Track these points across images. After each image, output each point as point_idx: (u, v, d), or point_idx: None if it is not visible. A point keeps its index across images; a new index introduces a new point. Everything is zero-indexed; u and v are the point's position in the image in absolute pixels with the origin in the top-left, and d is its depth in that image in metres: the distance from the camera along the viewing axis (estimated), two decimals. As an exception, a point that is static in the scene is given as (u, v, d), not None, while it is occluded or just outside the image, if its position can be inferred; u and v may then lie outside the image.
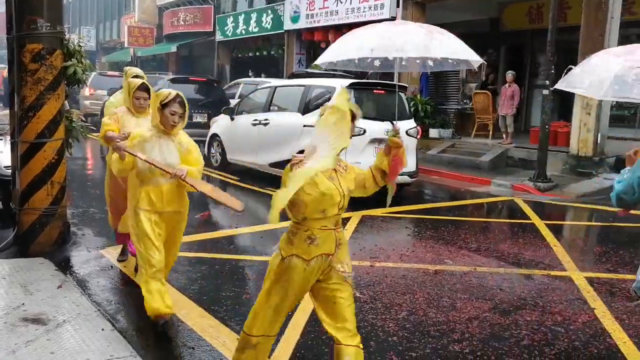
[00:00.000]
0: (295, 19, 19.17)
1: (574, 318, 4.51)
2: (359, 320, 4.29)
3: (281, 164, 9.34)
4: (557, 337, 4.17)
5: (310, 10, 18.41)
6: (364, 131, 8.55)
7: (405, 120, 9.20)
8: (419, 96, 15.19)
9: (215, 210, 8.02)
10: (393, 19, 15.38)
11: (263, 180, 9.87)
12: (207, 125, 12.83)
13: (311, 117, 8.92)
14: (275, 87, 10.59)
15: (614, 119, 12.46)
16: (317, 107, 9.09)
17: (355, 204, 8.48)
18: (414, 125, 9.42)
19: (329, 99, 8.55)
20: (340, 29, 17.43)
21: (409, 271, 5.53)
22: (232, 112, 11.12)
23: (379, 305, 4.63)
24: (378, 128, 8.50)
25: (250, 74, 20.32)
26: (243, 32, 22.25)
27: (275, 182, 9.99)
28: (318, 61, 4.98)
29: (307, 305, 4.42)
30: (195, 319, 4.22)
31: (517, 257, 6.17)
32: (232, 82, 17.79)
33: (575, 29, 11.60)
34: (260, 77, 18.74)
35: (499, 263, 5.97)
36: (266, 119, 9.99)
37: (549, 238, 6.94)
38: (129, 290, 4.74)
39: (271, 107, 10.22)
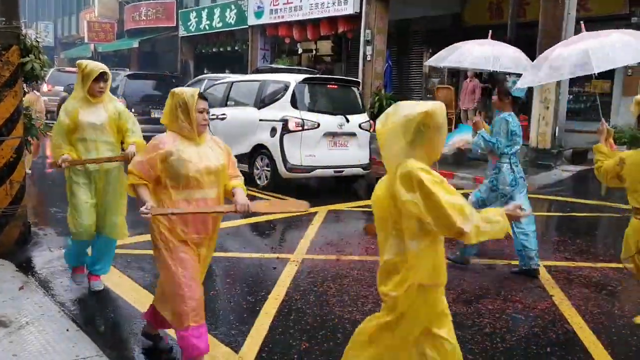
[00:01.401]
0: (259, 14, 19.09)
1: (534, 305, 4.65)
2: (326, 312, 4.35)
3: (238, 158, 9.34)
4: (518, 324, 4.30)
5: (274, 5, 18.37)
6: (318, 125, 8.74)
7: (358, 114, 9.38)
8: (383, 91, 15.33)
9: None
10: (357, 14, 15.49)
11: None
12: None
13: (267, 112, 9.11)
14: (232, 83, 10.66)
15: (571, 113, 12.84)
16: (272, 101, 9.25)
17: (321, 199, 8.57)
18: (367, 119, 9.65)
19: (284, 93, 8.84)
20: (304, 24, 17.48)
21: (375, 264, 5.60)
22: None
23: (345, 298, 4.69)
24: (332, 122, 8.66)
25: (205, 70, 20.13)
26: (206, 27, 22.04)
27: None
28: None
29: (270, 308, 4.47)
30: (162, 316, 4.20)
31: (480, 247, 6.31)
32: (196, 78, 17.63)
33: (534, 24, 11.87)
34: (224, 72, 18.63)
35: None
36: (223, 114, 10.07)
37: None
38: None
39: (228, 102, 10.30)
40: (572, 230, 7.37)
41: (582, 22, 6.05)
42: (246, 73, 17.09)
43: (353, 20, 15.94)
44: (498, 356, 3.78)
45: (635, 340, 4.08)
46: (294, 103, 8.90)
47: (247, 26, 19.83)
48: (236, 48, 21.67)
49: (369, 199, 7.75)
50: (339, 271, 5.36)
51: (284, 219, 7.45)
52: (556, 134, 11.50)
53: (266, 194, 8.89)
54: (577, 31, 11.70)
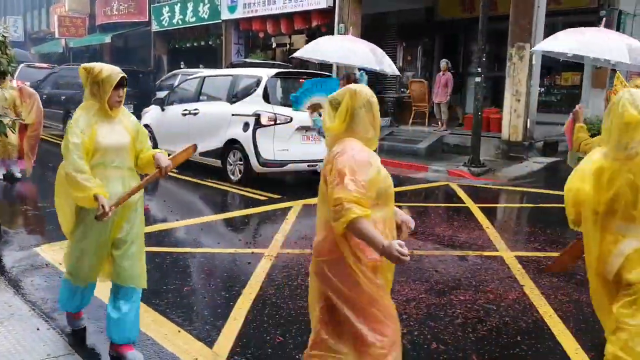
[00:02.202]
0: (232, 9, 18.96)
1: (505, 295, 4.74)
2: (300, 307, 4.37)
3: (211, 153, 9.50)
4: (489, 314, 4.38)
5: (247, -1, 18.27)
6: (291, 119, 8.76)
7: None
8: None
9: (154, 204, 7.92)
10: (330, 8, 15.48)
11: (197, 171, 9.88)
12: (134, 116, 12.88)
13: (239, 106, 9.11)
14: (204, 78, 10.65)
15: (542, 105, 13.03)
16: (244, 96, 9.27)
17: (297, 193, 8.59)
18: None
19: (257, 88, 8.90)
20: (278, 19, 17.41)
21: (349, 257, 5.64)
22: (162, 103, 11.12)
23: (319, 291, 4.72)
24: (304, 116, 8.68)
25: (182, 65, 19.97)
26: (180, 22, 21.82)
27: (208, 171, 10.05)
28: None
29: (244, 302, 4.48)
30: (136, 313, 4.18)
31: (452, 239, 6.40)
32: (170, 74, 17.46)
33: (505, 18, 12.00)
34: (198, 67, 18.49)
35: (435, 246, 6.18)
36: (196, 109, 10.03)
37: (482, 220, 7.22)
38: (66, 288, 4.64)
39: (200, 97, 10.29)
40: (543, 221, 7.50)
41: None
42: (221, 68, 17.00)
43: (327, 14, 15.92)
44: (470, 346, 3.84)
45: (602, 329, 4.18)
46: (266, 97, 8.95)
47: (220, 21, 19.67)
48: (210, 43, 21.51)
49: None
50: (314, 265, 5.38)
51: (259, 213, 7.45)
52: (528, 126, 11.68)
53: (239, 189, 8.89)
54: (548, 24, 11.95)
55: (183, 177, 9.82)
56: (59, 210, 3.63)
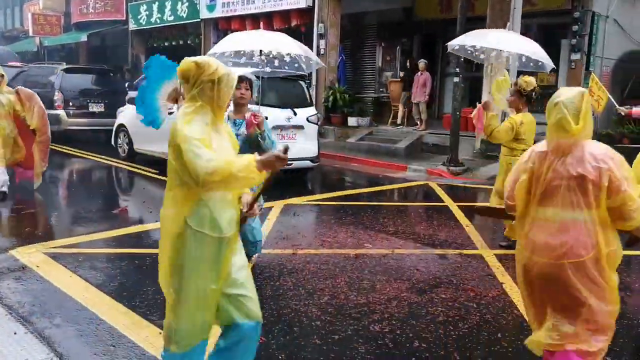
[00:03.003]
0: (211, 8, 18.85)
1: (485, 293, 4.79)
2: (283, 307, 4.37)
3: None
4: (470, 311, 4.42)
5: (226, -2, 18.19)
6: (266, 118, 8.75)
7: (306, 108, 9.51)
8: (337, 85, 15.40)
9: (132, 205, 7.84)
10: (310, 7, 15.49)
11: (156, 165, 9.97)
12: (103, 115, 13.53)
13: None
14: None
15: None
16: None
17: (277, 193, 8.56)
18: (315, 112, 9.87)
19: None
20: (257, 18, 17.35)
21: (331, 257, 5.66)
22: None
23: (302, 291, 4.72)
24: (279, 115, 8.74)
25: None
26: (158, 20, 21.62)
27: (159, 165, 10.03)
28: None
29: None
30: (116, 316, 4.13)
31: (432, 238, 6.45)
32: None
33: (483, 19, 12.12)
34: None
35: (415, 245, 6.22)
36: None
37: (461, 219, 7.29)
38: (42, 290, 4.57)
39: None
40: (521, 219, 7.59)
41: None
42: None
43: (306, 13, 15.93)
44: (451, 344, 3.87)
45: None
46: None
47: (199, 20, 19.57)
48: (189, 42, 21.34)
49: (324, 192, 7.80)
50: (295, 265, 5.39)
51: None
52: (505, 126, 11.80)
53: None
54: (523, 25, 12.09)
55: (160, 177, 9.75)
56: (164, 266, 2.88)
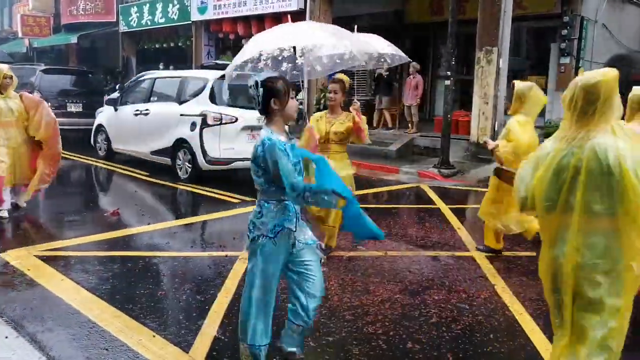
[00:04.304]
0: (202, 10, 18.83)
1: (477, 294, 4.82)
2: (276, 308, 4.36)
3: (161, 152, 10.01)
4: (462, 313, 4.44)
5: (217, 1, 18.15)
6: (236, 119, 9.18)
7: None
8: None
9: (126, 208, 7.80)
10: (301, 10, 15.51)
11: (151, 169, 10.26)
12: (81, 115, 13.92)
13: (187, 107, 9.53)
14: (155, 79, 11.05)
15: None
16: (192, 97, 9.65)
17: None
18: None
19: (203, 89, 9.31)
20: (249, 20, 17.36)
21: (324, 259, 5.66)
22: (115, 103, 11.52)
23: (294, 293, 4.72)
24: (250, 116, 8.88)
25: (161, 66, 19.79)
26: (149, 22, 21.56)
27: (159, 170, 10.11)
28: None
29: (219, 306, 4.45)
30: (109, 319, 4.11)
31: (424, 240, 6.48)
32: (138, 76, 17.26)
33: (474, 21, 12.21)
34: (168, 69, 18.32)
35: (407, 247, 6.24)
36: (147, 109, 10.43)
37: (453, 221, 7.33)
38: (33, 293, 4.55)
39: (151, 98, 10.65)
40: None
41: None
42: (191, 69, 16.87)
43: (297, 16, 15.89)
44: (444, 344, 3.90)
45: (571, 325, 4.29)
46: (212, 98, 9.34)
47: (190, 22, 19.53)
48: (180, 44, 21.31)
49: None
50: (288, 267, 5.39)
51: (233, 216, 7.42)
52: (495, 129, 11.89)
53: (188, 186, 9.20)
54: (514, 29, 12.16)
55: (150, 179, 9.73)
56: None
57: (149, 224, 6.89)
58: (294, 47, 5.89)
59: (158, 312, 4.31)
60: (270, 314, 3.30)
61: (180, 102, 9.81)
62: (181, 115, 9.54)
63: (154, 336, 3.86)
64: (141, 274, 5.14)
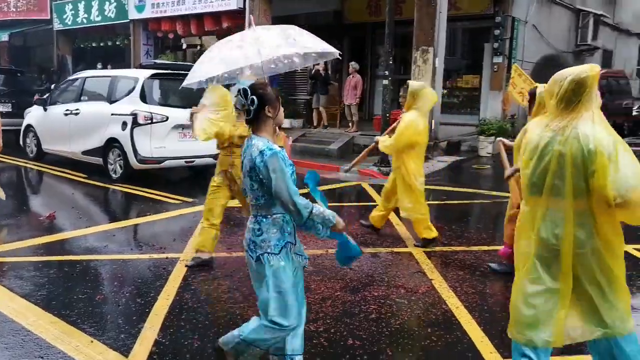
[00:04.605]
0: (140, 9, 18.43)
1: (415, 289, 4.96)
2: (218, 310, 4.38)
3: (92, 152, 9.93)
4: (401, 308, 4.57)
5: (155, -1, 17.83)
6: (167, 118, 9.24)
7: None
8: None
9: (62, 210, 7.58)
10: (241, 10, 15.43)
11: (85, 170, 10.18)
12: (10, 115, 13.41)
13: (118, 106, 9.52)
14: (85, 78, 10.92)
15: (445, 107, 13.66)
16: (123, 96, 9.65)
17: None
18: None
19: (134, 88, 9.36)
20: (188, 19, 17.13)
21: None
22: (44, 103, 11.36)
23: (237, 294, 4.74)
24: (180, 115, 8.93)
25: (98, 65, 19.24)
26: (84, 20, 20.91)
27: (93, 170, 10.03)
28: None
29: (160, 308, 4.42)
30: (45, 326, 4.01)
31: (365, 237, 6.60)
32: (73, 75, 16.73)
33: (410, 22, 12.47)
34: (106, 68, 17.86)
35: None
36: (77, 109, 10.32)
37: (392, 218, 7.48)
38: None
39: (82, 97, 10.55)
40: (448, 217, 7.89)
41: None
42: (130, 69, 16.51)
43: (237, 15, 15.85)
44: (384, 340, 4.00)
45: (505, 317, 4.48)
46: (143, 98, 9.37)
47: (128, 20, 19.07)
48: (118, 43, 20.78)
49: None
50: (230, 268, 5.40)
51: (173, 217, 7.34)
52: (432, 127, 12.20)
53: (126, 187, 9.14)
54: (449, 29, 12.51)
55: (89, 181, 9.48)
56: None
57: (87, 227, 6.73)
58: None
59: (96, 316, 4.23)
60: (301, 325, 3.20)
61: (111, 102, 9.78)
62: (112, 114, 9.53)
63: (92, 342, 3.80)
64: (79, 279, 5.02)
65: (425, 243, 6.16)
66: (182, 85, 5.61)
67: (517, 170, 4.35)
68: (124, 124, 9.26)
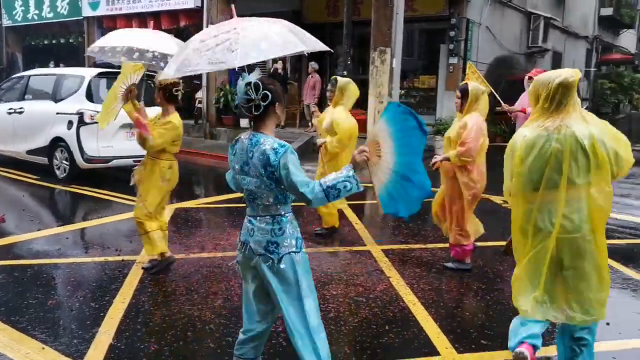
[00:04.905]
0: (94, 6, 18.03)
1: (374, 287, 5.01)
2: (175, 312, 4.33)
3: (37, 151, 9.80)
4: (360, 306, 4.60)
5: (110, -4, 17.48)
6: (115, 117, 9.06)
7: (153, 107, 9.67)
8: (228, 86, 15.31)
9: (11, 213, 7.35)
10: (198, 8, 15.27)
11: (34, 170, 10.00)
12: None
13: (63, 105, 9.45)
14: (29, 76, 10.76)
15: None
16: (68, 95, 9.58)
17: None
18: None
19: (80, 87, 9.32)
20: (145, 17, 16.83)
21: (224, 259, 5.65)
22: None
23: (195, 296, 4.69)
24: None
25: (51, 64, 18.71)
26: (35, 17, 20.32)
27: (39, 170, 9.81)
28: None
29: (115, 312, 4.35)
30: (-7, 333, 3.89)
31: (324, 236, 6.62)
32: (20, 74, 16.24)
33: (368, 23, 12.56)
34: (59, 66, 17.40)
35: (307, 243, 6.32)
36: (21, 108, 10.14)
37: (351, 217, 7.55)
38: None
39: (26, 96, 10.37)
40: (407, 215, 7.97)
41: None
42: (83, 67, 16.14)
43: (195, 14, 15.69)
44: (342, 338, 4.03)
45: (459, 312, 4.59)
46: (89, 96, 9.32)
47: (82, 17, 18.63)
48: (71, 40, 20.26)
49: (217, 195, 7.71)
50: (188, 269, 5.33)
51: (128, 219, 7.20)
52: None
53: (71, 187, 9.04)
54: (406, 29, 12.67)
55: (40, 183, 9.23)
56: None
57: (39, 230, 6.55)
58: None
59: (48, 322, 4.12)
60: None
61: (56, 100, 9.67)
62: (57, 113, 9.44)
63: (43, 348, 3.70)
64: (29, 283, 4.88)
65: (327, 231, 6.63)
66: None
67: (447, 159, 5.21)
68: (70, 123, 9.20)
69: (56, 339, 3.86)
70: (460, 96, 5.29)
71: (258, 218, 2.89)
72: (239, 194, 9.20)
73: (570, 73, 3.08)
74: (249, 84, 2.76)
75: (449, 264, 5.55)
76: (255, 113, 2.78)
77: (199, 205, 8.11)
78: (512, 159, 3.21)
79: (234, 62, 2.89)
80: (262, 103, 2.75)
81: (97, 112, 8.89)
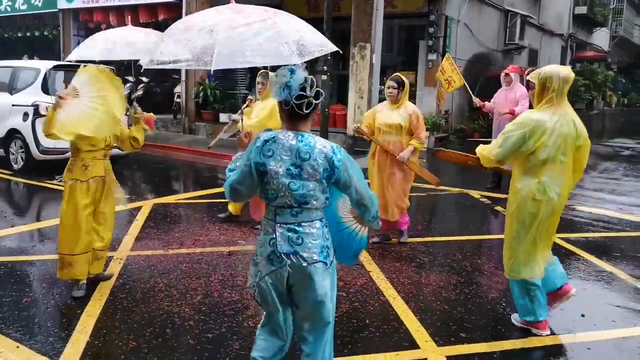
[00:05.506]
0: (70, -2, 17.74)
1: (354, 282, 5.01)
2: (154, 309, 4.28)
3: None
4: (340, 300, 4.59)
5: (86, -12, 17.20)
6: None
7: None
8: (207, 81, 15.19)
9: (-16, 210, 7.21)
10: (178, 2, 15.11)
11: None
12: None
13: (19, 97, 9.53)
14: None
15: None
16: (24, 87, 9.65)
17: (146, 192, 8.32)
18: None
19: (36, 79, 9.41)
20: (122, 10, 16.60)
21: (203, 255, 5.61)
22: None
23: (174, 292, 4.64)
24: None
25: (25, 57, 18.35)
26: (8, 9, 19.91)
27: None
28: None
29: (93, 309, 4.29)
30: (-35, 332, 3.81)
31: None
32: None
33: (349, 18, 12.57)
34: (33, 59, 17.07)
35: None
36: None
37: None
38: None
39: None
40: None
41: None
42: (59, 60, 15.87)
43: (174, 8, 15.51)
44: (322, 333, 4.02)
45: (439, 305, 4.61)
46: (45, 89, 9.41)
47: (57, 10, 18.30)
48: (46, 33, 19.89)
49: (195, 190, 7.63)
50: (167, 266, 5.28)
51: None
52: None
53: (22, 179, 9.05)
54: (386, 26, 12.68)
55: (14, 179, 9.07)
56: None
57: (12, 226, 6.43)
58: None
59: (23, 320, 4.05)
60: None
61: (12, 92, 9.75)
62: (13, 105, 9.55)
63: (17, 347, 3.63)
64: (3, 281, 4.79)
65: (228, 217, 6.87)
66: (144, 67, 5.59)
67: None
68: (25, 114, 9.31)
69: (31, 337, 3.79)
70: (396, 87, 5.91)
71: (304, 224, 2.62)
72: (218, 189, 9.14)
73: (569, 69, 3.77)
74: (306, 79, 2.57)
75: (404, 239, 6.16)
76: (306, 111, 2.60)
77: (177, 201, 8.04)
78: (528, 135, 3.68)
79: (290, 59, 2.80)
80: (314, 101, 2.59)
81: (53, 103, 8.86)
